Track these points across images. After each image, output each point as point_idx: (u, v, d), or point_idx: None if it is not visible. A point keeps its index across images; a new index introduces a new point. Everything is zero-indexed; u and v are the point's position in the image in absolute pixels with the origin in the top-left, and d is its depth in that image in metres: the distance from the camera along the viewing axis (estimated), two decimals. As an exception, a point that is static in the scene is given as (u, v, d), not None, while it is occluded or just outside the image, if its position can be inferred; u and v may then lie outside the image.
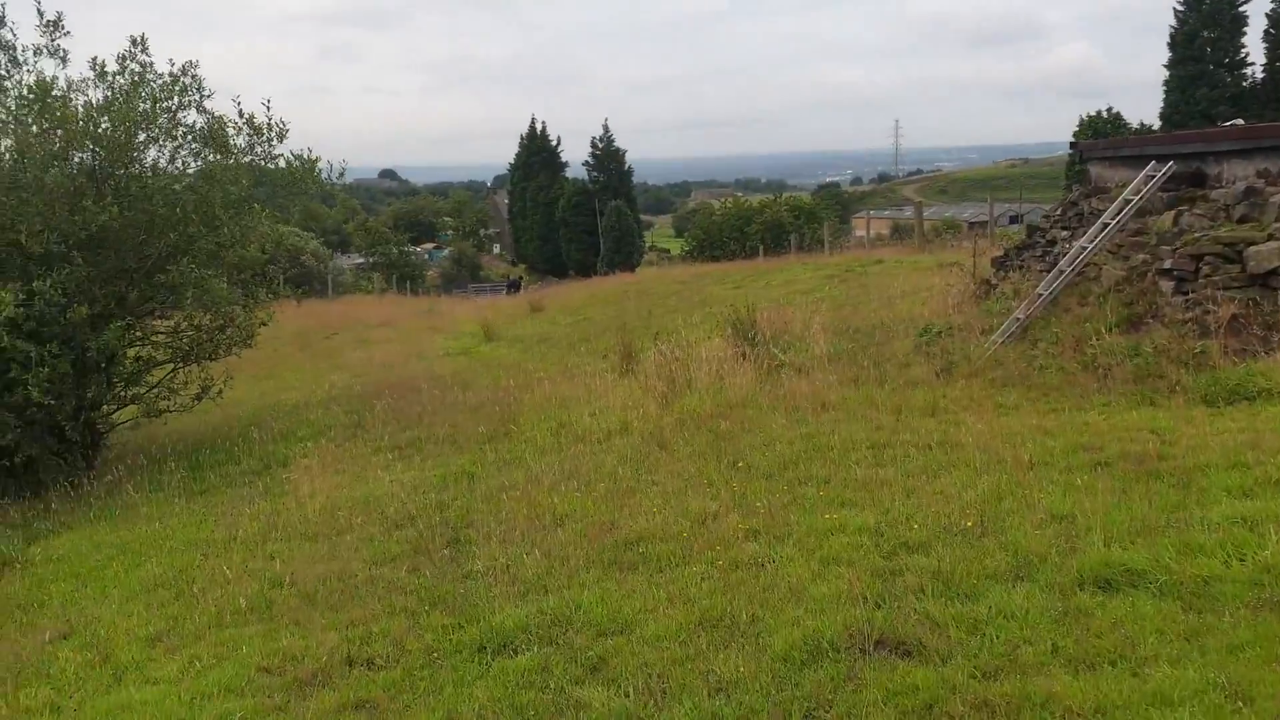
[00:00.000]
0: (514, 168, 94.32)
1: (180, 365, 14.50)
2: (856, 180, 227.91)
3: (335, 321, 31.37)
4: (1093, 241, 11.32)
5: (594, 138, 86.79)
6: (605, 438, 10.70)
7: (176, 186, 13.72)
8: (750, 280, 24.92)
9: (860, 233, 56.78)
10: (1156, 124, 67.28)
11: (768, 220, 62.80)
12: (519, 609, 5.99)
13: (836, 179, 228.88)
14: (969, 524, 6.16)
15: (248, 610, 6.91)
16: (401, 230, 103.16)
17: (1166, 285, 9.96)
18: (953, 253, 23.69)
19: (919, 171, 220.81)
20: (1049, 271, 12.19)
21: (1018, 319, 11.44)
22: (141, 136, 13.18)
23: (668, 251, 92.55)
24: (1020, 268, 13.22)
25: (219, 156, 13.71)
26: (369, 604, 6.61)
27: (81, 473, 12.96)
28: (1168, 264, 10.00)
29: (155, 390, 14.10)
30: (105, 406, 14.00)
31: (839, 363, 11.98)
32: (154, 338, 14.48)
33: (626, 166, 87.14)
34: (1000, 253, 14.44)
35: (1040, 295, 11.43)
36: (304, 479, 10.62)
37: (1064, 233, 12.70)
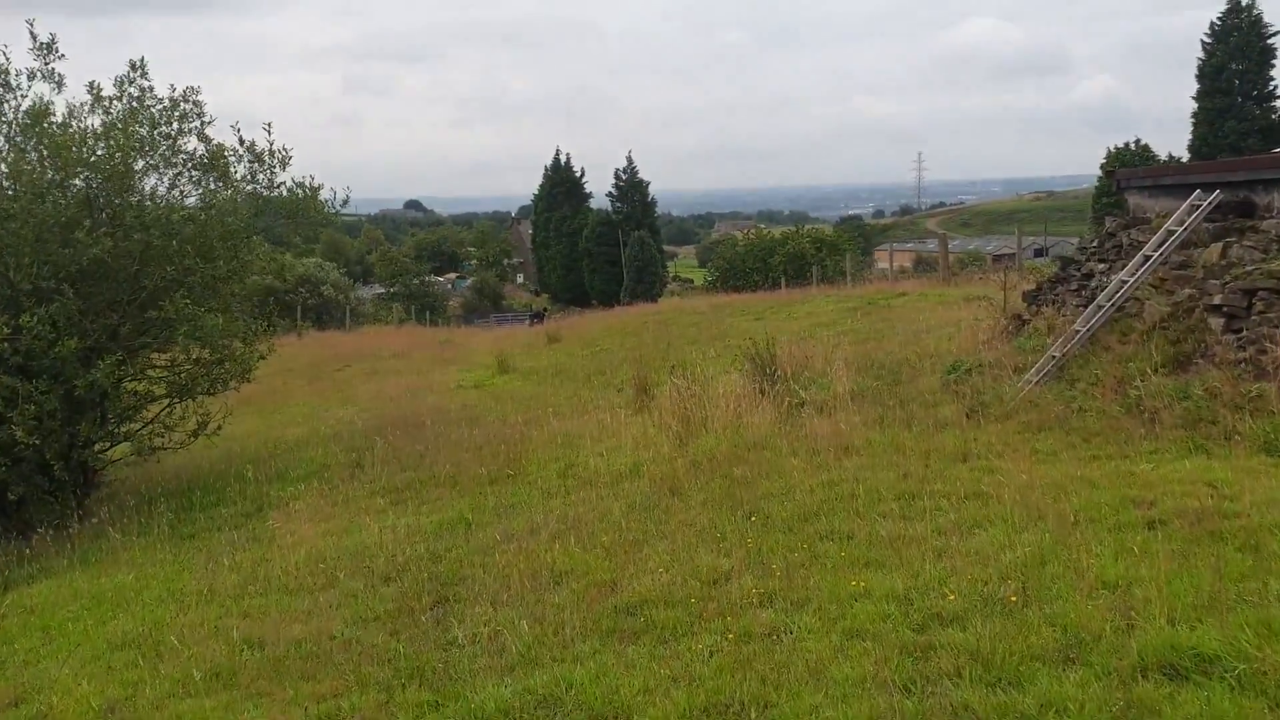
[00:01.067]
0: (538, 198, 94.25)
1: (176, 401, 13.95)
2: (879, 213, 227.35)
3: (349, 353, 30.92)
4: (1134, 275, 10.63)
5: (617, 169, 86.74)
6: (614, 481, 10.08)
7: (175, 217, 13.26)
8: (771, 312, 24.30)
9: (883, 265, 56.09)
10: (1185, 156, 66.57)
11: (790, 252, 62.23)
12: (504, 687, 5.34)
13: (859, 211, 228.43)
14: (1010, 593, 5.48)
15: (212, 677, 6.29)
16: (425, 260, 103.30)
17: (1216, 322, 9.27)
18: (979, 286, 22.96)
19: (942, 204, 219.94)
20: (1086, 306, 11.50)
21: (1053, 357, 10.74)
22: (140, 164, 12.72)
23: (691, 281, 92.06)
24: (1054, 302, 12.52)
25: (219, 185, 13.25)
26: (342, 673, 5.98)
27: (72, 513, 12.42)
28: (1217, 299, 9.31)
29: (150, 427, 13.56)
30: (99, 444, 13.46)
31: (863, 401, 11.30)
32: (150, 372, 13.95)
33: (650, 197, 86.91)
34: (1032, 286, 13.75)
35: (1078, 332, 10.73)
36: (292, 525, 10.05)
37: (1101, 265, 12.02)
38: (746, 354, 13.15)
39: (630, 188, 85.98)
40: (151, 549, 10.53)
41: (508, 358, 23.70)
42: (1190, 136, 67.23)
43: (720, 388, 12.41)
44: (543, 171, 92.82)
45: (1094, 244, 12.53)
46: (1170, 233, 10.57)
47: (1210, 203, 10.43)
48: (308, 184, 13.56)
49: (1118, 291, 10.68)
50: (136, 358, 13.17)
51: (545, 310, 67.22)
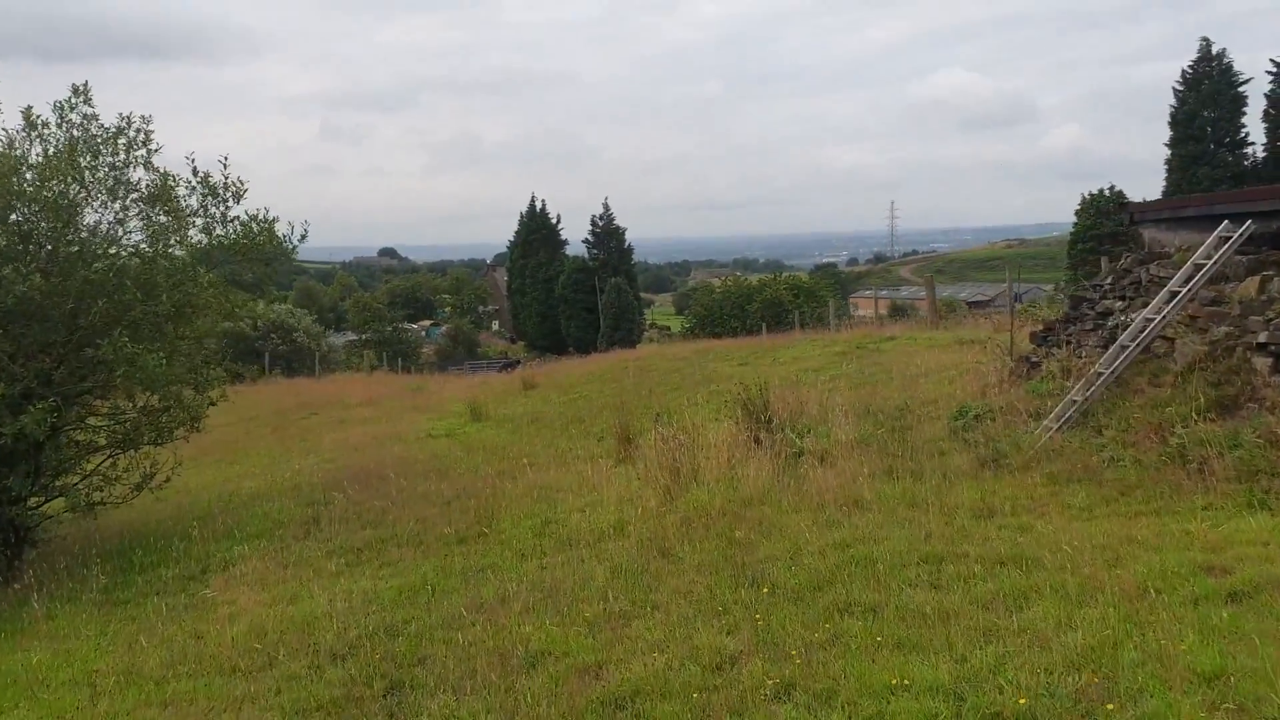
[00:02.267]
0: (513, 245, 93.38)
1: (118, 452, 12.81)
2: (852, 261, 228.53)
3: (316, 400, 29.74)
4: (1160, 312, 9.79)
5: (594, 215, 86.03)
6: (596, 540, 9.06)
7: (122, 252, 12.25)
8: (756, 357, 23.36)
9: (862, 312, 55.49)
10: (1160, 202, 66.65)
11: (767, 298, 61.87)
12: (464, 810, 4.31)
13: (833, 259, 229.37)
14: (1084, 686, 4.50)
15: (114, 789, 5.21)
16: (399, 307, 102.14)
17: (1262, 362, 8.41)
18: (969, 329, 22.21)
19: (915, 252, 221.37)
20: (1105, 347, 10.66)
21: (1074, 401, 9.86)
22: (80, 194, 11.69)
23: (668, 329, 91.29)
24: (1067, 343, 11.66)
25: (168, 219, 12.22)
26: (270, 786, 4.92)
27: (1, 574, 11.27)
28: (1262, 337, 8.46)
29: (88, 480, 12.42)
30: (33, 499, 12.29)
31: (866, 450, 10.35)
32: (90, 420, 12.79)
33: (626, 244, 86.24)
34: (1040, 327, 12.90)
35: (1100, 374, 9.86)
36: (233, 592, 8.95)
37: (1119, 303, 11.19)
38: (737, 399, 12.20)
39: (607, 234, 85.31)
40: (77, 618, 9.39)
41: (481, 405, 22.62)
42: (1164, 183, 67.36)
43: (710, 436, 11.46)
44: (518, 218, 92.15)
45: (1108, 281, 11.71)
46: (1199, 266, 9.74)
47: (1242, 234, 9.62)
48: (262, 216, 12.56)
49: (1143, 330, 9.82)
50: (74, 404, 12.02)
51: (518, 360, 66.10)
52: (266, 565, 10.15)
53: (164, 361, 11.18)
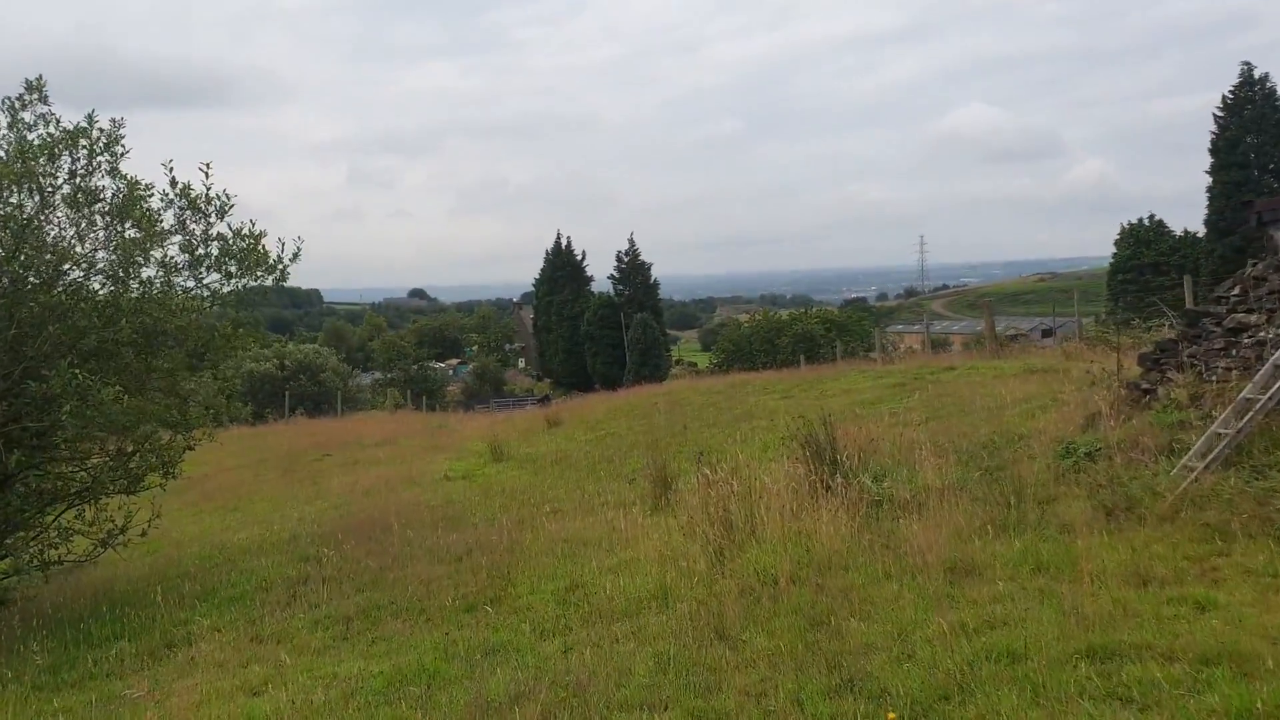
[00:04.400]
0: (539, 282, 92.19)
1: (79, 503, 11.13)
2: (882, 295, 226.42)
3: (332, 440, 28.12)
4: (1326, 324, 7.96)
5: (619, 251, 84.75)
6: (633, 612, 7.31)
7: (91, 275, 10.70)
8: (799, 390, 21.53)
9: (908, 344, 53.53)
10: (1202, 231, 65.17)
11: (798, 332, 60.29)
12: None
13: (861, 294, 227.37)
14: None
15: None
16: (426, 346, 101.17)
17: None
18: (1037, 357, 20.33)
19: (945, 286, 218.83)
20: (1242, 369, 8.83)
21: (1220, 435, 8.01)
22: (31, 203, 10.12)
23: (694, 365, 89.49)
24: (1191, 366, 9.82)
25: (137, 234, 10.61)
26: None
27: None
28: None
29: (41, 536, 10.74)
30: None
31: (961, 497, 8.51)
32: (49, 467, 11.09)
33: (652, 279, 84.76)
34: (1149, 349, 11.04)
35: (1253, 401, 8.01)
36: (188, 679, 7.20)
37: (1253, 317, 9.35)
38: (795, 436, 10.39)
39: (632, 270, 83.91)
40: (3, 710, 7.69)
41: (502, 444, 20.92)
42: (1207, 210, 65.33)
43: (765, 479, 9.65)
44: (544, 256, 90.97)
45: (1234, 291, 9.86)
46: (1372, 268, 7.92)
47: None
48: (248, 229, 10.93)
49: (1305, 346, 7.99)
50: (22, 447, 10.31)
51: (548, 396, 64.62)
52: (237, 639, 8.43)
53: (123, 396, 9.50)
